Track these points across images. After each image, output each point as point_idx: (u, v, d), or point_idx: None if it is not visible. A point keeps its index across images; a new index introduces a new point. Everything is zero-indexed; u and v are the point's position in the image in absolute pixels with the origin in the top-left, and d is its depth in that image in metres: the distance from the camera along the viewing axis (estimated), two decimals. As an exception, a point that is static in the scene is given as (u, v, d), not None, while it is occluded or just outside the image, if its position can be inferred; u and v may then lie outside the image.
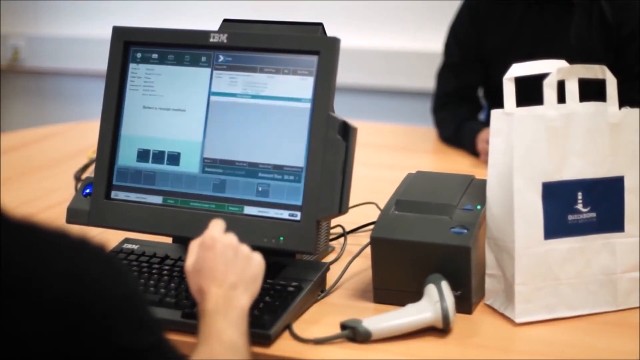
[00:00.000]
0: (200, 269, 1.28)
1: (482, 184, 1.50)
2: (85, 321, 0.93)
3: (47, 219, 1.02)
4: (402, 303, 1.41)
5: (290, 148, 1.49)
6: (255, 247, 1.49)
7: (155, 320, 1.04)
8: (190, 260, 1.30)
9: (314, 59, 1.49)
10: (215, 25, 1.60)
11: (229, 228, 1.39)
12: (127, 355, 0.96)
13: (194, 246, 1.31)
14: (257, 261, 1.31)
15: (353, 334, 1.36)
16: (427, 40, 3.33)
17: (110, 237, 1.61)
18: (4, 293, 0.90)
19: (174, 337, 1.20)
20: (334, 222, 1.69)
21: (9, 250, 0.92)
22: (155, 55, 1.59)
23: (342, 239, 1.70)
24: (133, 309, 0.99)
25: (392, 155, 2.49)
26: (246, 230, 1.48)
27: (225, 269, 1.27)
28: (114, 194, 1.58)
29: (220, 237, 1.30)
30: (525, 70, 1.49)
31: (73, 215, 1.59)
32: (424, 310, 1.38)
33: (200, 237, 1.31)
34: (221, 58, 1.55)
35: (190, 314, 1.37)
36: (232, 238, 1.31)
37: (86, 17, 3.86)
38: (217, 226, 1.33)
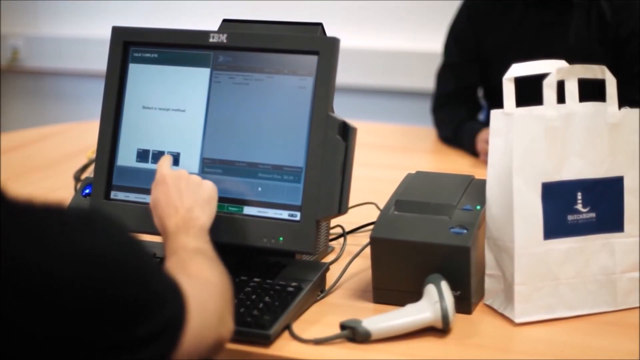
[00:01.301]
0: (156, 205, 1.38)
1: (482, 184, 1.50)
2: (95, 301, 0.95)
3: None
4: (401, 303, 1.41)
5: (289, 148, 1.49)
6: (255, 248, 1.49)
7: (146, 268, 1.05)
8: (150, 200, 1.41)
9: (313, 59, 1.49)
10: (215, 25, 1.60)
11: (229, 228, 1.39)
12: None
13: (152, 187, 1.41)
14: (209, 185, 1.41)
15: (353, 334, 1.36)
16: (427, 40, 3.33)
17: (109, 237, 1.61)
18: (4, 276, 0.90)
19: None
20: (334, 222, 1.69)
21: (9, 232, 0.93)
22: (155, 56, 1.59)
23: (341, 239, 1.70)
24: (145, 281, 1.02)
25: (391, 155, 2.50)
26: (246, 230, 1.48)
27: (180, 196, 1.37)
28: (113, 194, 1.58)
29: (169, 172, 1.41)
30: (525, 70, 1.49)
31: (73, 215, 1.58)
32: (424, 310, 1.38)
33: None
34: (221, 58, 1.55)
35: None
36: (181, 171, 1.41)
37: (86, 17, 3.87)
38: (165, 162, 1.44)
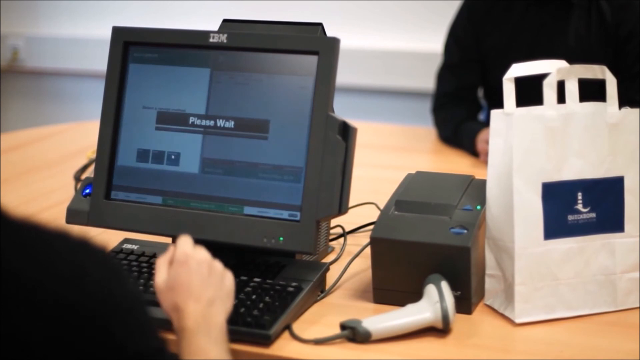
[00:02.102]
0: (175, 285, 1.23)
1: (482, 184, 1.50)
2: (86, 326, 0.92)
3: (46, 219, 1.02)
4: (401, 303, 1.41)
5: (289, 148, 1.49)
6: (255, 248, 1.49)
7: (155, 324, 1.02)
8: (160, 278, 1.25)
9: (313, 59, 1.49)
10: (215, 25, 1.60)
11: (229, 228, 1.39)
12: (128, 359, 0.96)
13: (163, 263, 1.27)
14: (230, 277, 1.29)
15: (353, 334, 1.36)
16: (427, 40, 3.33)
17: (110, 238, 1.61)
18: (3, 295, 0.90)
19: (172, 337, 1.20)
20: (334, 222, 1.69)
21: (9, 251, 0.92)
22: (155, 56, 1.59)
23: (341, 239, 1.70)
24: (134, 312, 0.98)
25: (391, 155, 2.49)
26: (246, 230, 1.48)
27: (202, 284, 1.23)
28: (113, 194, 1.58)
29: (192, 252, 1.26)
30: (525, 70, 1.49)
31: (73, 215, 1.59)
32: (424, 310, 1.38)
33: (167, 254, 1.28)
34: (221, 58, 1.55)
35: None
36: (204, 253, 1.27)
37: (85, 18, 3.86)
38: (186, 242, 1.28)
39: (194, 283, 1.23)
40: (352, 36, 3.26)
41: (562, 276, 1.44)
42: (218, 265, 1.28)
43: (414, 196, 1.52)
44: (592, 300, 1.46)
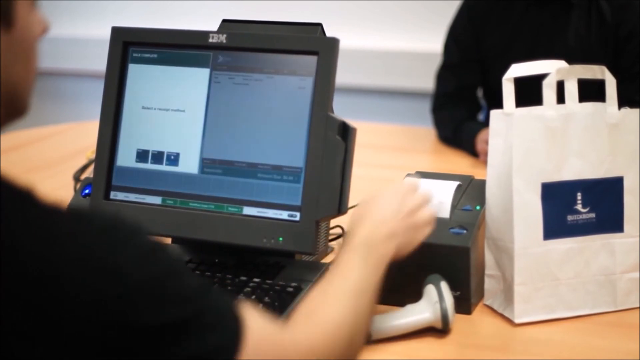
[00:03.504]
0: (377, 204, 1.28)
1: (482, 184, 1.50)
2: (107, 306, 0.90)
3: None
4: (401, 303, 1.41)
5: (289, 148, 1.49)
6: (254, 248, 1.49)
7: (194, 287, 0.96)
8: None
9: (313, 59, 1.49)
10: (214, 25, 1.60)
11: (229, 228, 1.38)
12: (154, 334, 0.92)
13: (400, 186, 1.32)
14: (425, 232, 1.32)
15: (352, 334, 1.35)
16: (426, 40, 3.33)
17: (109, 238, 1.61)
18: (22, 278, 0.88)
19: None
20: (334, 222, 1.69)
21: (28, 234, 0.90)
22: (154, 56, 1.59)
23: (341, 240, 1.70)
24: (158, 288, 0.93)
25: (391, 155, 2.49)
26: (245, 230, 1.48)
27: (397, 218, 1.27)
28: (113, 195, 1.58)
29: (417, 192, 1.31)
30: (525, 70, 1.49)
31: (72, 215, 1.58)
32: (423, 310, 1.38)
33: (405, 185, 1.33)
34: (220, 58, 1.55)
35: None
36: (424, 199, 1.32)
37: (85, 18, 3.86)
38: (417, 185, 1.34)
39: (390, 213, 1.26)
40: (352, 36, 3.25)
41: (561, 276, 1.44)
42: (427, 215, 1.31)
43: (414, 196, 1.52)
44: (592, 300, 1.46)
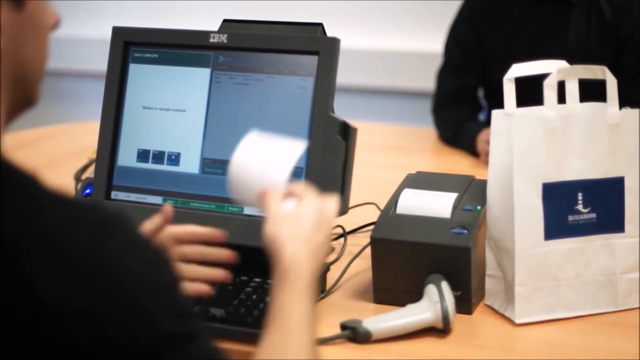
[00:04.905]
0: (288, 220, 1.18)
1: (482, 184, 1.50)
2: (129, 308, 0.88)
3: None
4: (402, 303, 1.41)
5: (290, 148, 1.49)
6: (255, 248, 1.49)
7: (191, 311, 0.96)
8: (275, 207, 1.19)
9: (314, 59, 1.49)
10: (215, 25, 1.60)
11: (229, 228, 1.38)
12: (171, 341, 0.90)
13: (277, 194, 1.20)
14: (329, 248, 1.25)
15: (353, 334, 1.36)
16: (427, 40, 3.33)
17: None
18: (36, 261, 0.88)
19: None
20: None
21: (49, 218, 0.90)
22: (155, 56, 1.59)
23: (342, 240, 1.70)
24: (169, 292, 0.93)
25: (392, 155, 2.49)
26: (246, 230, 1.48)
27: (311, 230, 1.17)
28: (113, 194, 1.58)
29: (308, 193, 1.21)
30: (525, 70, 1.49)
31: (73, 215, 1.58)
32: (424, 310, 1.38)
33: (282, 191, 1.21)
34: (221, 58, 1.55)
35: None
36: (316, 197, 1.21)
37: (85, 18, 3.86)
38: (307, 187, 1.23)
39: (311, 228, 1.17)
40: (352, 36, 3.25)
41: (562, 276, 1.45)
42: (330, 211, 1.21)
43: (414, 196, 1.52)
44: (592, 300, 1.46)
